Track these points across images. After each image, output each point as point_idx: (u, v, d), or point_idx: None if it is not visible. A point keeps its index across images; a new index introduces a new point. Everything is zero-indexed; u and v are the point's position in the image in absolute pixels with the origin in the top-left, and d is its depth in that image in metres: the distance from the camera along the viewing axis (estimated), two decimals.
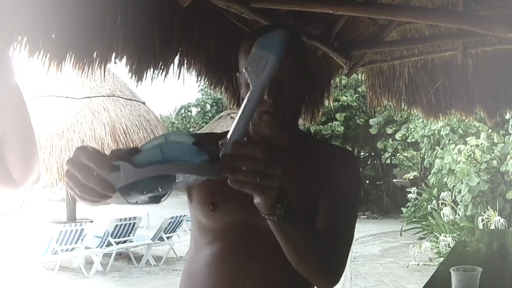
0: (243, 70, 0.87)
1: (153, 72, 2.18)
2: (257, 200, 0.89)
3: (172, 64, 2.24)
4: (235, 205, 1.12)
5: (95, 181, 0.77)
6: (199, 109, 24.82)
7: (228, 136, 0.81)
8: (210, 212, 1.16)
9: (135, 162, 0.76)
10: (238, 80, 1.21)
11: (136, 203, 0.82)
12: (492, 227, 6.71)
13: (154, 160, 0.76)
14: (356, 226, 1.22)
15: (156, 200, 0.82)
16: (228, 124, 14.80)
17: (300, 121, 3.17)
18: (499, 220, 6.76)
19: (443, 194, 8.15)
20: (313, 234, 1.08)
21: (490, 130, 8.03)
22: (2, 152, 1.20)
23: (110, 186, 0.77)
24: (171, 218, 7.84)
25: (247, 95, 0.84)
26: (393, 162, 16.71)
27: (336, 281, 1.12)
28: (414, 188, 10.17)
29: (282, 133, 1.17)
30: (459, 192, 7.74)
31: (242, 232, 1.15)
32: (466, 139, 8.28)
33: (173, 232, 8.11)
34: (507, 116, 6.78)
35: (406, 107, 3.58)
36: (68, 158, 0.82)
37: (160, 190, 0.79)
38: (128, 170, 0.76)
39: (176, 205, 9.32)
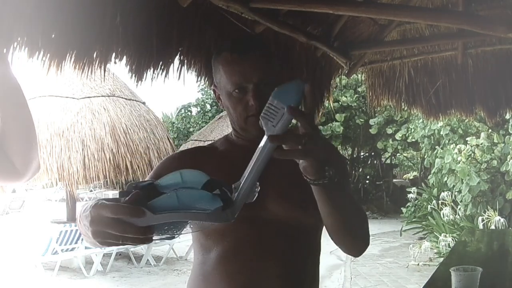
0: (260, 116, 0.90)
1: (153, 72, 2.18)
2: (304, 165, 0.93)
3: (172, 64, 2.24)
4: (250, 205, 1.14)
5: (132, 230, 0.80)
6: (199, 109, 24.81)
7: (242, 180, 0.86)
8: None
9: (153, 208, 0.80)
10: (215, 93, 1.27)
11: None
12: (492, 227, 6.70)
13: (170, 207, 0.80)
14: None
15: (170, 238, 0.86)
16: (227, 124, 14.78)
17: None
18: (499, 220, 6.76)
19: (443, 194, 8.15)
20: (352, 199, 1.15)
21: (490, 130, 8.03)
22: (3, 143, 1.23)
23: (148, 230, 0.80)
24: None
25: (263, 143, 0.87)
26: (393, 162, 16.71)
27: (367, 246, 1.21)
28: (414, 188, 10.17)
29: None
30: (459, 192, 7.74)
31: (249, 227, 1.17)
32: (466, 139, 8.28)
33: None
34: (507, 116, 6.79)
35: (406, 107, 3.57)
36: (89, 221, 0.83)
37: (174, 232, 0.84)
38: (147, 215, 0.79)
39: None
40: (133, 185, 0.84)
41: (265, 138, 0.87)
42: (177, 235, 0.87)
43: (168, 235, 0.84)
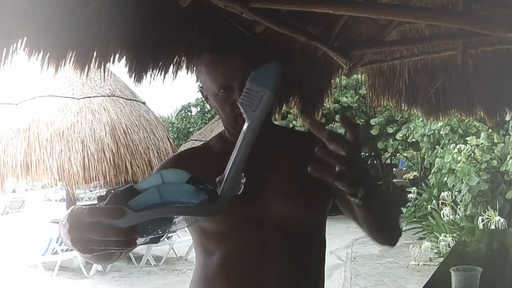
0: (238, 103, 0.88)
1: (153, 72, 2.18)
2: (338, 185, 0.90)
3: (172, 64, 2.24)
4: (240, 203, 1.12)
5: (115, 232, 0.73)
6: (198, 109, 24.81)
7: (226, 172, 0.82)
8: (221, 218, 1.17)
9: (134, 206, 0.74)
10: (202, 93, 1.25)
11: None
12: (492, 227, 6.70)
13: (153, 203, 0.74)
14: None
15: (155, 240, 0.80)
16: None
17: (300, 122, 3.16)
18: (499, 220, 6.76)
19: (443, 194, 8.15)
20: (386, 201, 1.12)
21: (490, 130, 8.03)
22: None
23: (131, 231, 0.74)
24: None
25: (244, 130, 0.84)
26: (393, 162, 16.71)
27: (400, 236, 1.22)
28: (414, 188, 10.16)
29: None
30: (459, 192, 7.74)
31: (253, 228, 1.16)
32: (466, 139, 8.28)
33: (173, 232, 8.11)
34: (507, 117, 6.79)
35: (406, 107, 3.57)
36: (68, 229, 0.77)
37: (159, 232, 0.78)
38: (128, 214, 0.73)
39: None
40: (111, 190, 0.78)
41: (245, 125, 0.84)
42: (162, 236, 0.81)
43: (153, 236, 0.78)
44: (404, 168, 17.51)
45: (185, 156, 1.33)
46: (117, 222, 0.73)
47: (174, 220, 0.78)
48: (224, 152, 1.25)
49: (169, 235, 8.02)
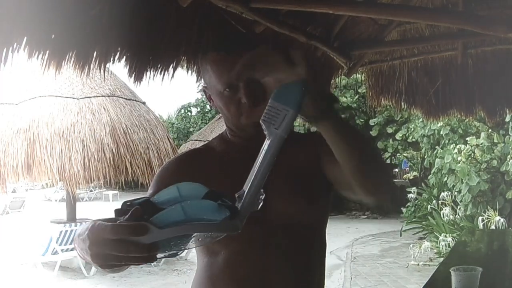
0: (261, 120, 0.87)
1: (153, 72, 2.18)
2: (306, 109, 0.89)
3: (172, 64, 2.24)
4: None
5: (137, 249, 0.72)
6: (198, 109, 24.82)
7: (246, 188, 0.82)
8: None
9: (157, 223, 0.73)
10: (206, 93, 1.24)
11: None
12: (492, 227, 6.70)
13: (177, 220, 0.74)
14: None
15: (174, 254, 0.80)
16: None
17: (300, 122, 3.16)
18: (499, 220, 6.76)
19: (443, 194, 8.15)
20: (363, 136, 1.11)
21: (490, 130, 8.03)
22: None
23: (153, 247, 0.73)
24: None
25: (265, 147, 0.84)
26: (393, 162, 16.70)
27: (387, 191, 1.10)
28: (414, 188, 10.17)
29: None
30: (459, 192, 7.74)
31: (255, 228, 1.13)
32: (466, 139, 8.28)
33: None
34: (507, 117, 6.79)
35: (406, 107, 3.57)
36: (88, 245, 0.76)
37: (180, 247, 0.78)
38: (152, 231, 0.72)
39: None
40: (127, 203, 0.77)
41: (267, 142, 0.84)
42: (181, 251, 0.81)
43: (173, 252, 0.78)
44: (407, 168, 17.52)
45: (187, 158, 1.31)
46: (140, 238, 0.72)
47: (196, 236, 0.78)
48: (225, 153, 1.25)
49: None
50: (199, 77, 2.43)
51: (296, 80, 0.87)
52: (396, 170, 19.58)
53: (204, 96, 1.29)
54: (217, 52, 1.15)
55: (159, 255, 0.76)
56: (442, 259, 4.94)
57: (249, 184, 0.82)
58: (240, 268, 1.17)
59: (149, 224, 0.72)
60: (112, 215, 0.79)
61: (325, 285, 1.27)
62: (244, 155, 1.13)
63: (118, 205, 0.82)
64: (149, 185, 1.28)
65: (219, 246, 1.18)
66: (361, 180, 1.07)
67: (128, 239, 0.72)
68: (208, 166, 1.21)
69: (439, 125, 8.77)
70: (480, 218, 7.07)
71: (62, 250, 7.00)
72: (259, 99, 1.13)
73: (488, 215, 6.98)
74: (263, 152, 0.84)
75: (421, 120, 9.42)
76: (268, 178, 1.14)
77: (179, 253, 0.81)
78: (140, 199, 0.77)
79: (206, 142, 1.38)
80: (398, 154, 15.71)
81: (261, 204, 0.84)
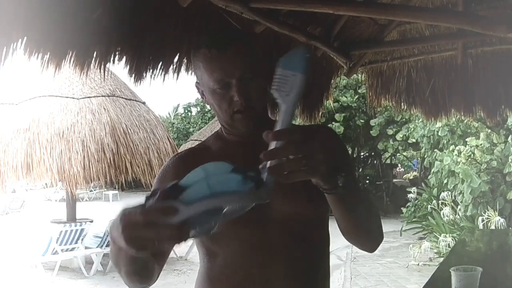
0: (270, 89, 0.89)
1: (153, 72, 2.18)
2: (314, 181, 0.91)
3: (172, 64, 2.24)
4: (255, 206, 1.11)
5: (167, 229, 0.74)
6: (199, 109, 24.82)
7: (268, 161, 0.83)
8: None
9: (185, 200, 0.76)
10: (198, 89, 1.22)
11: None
12: (492, 227, 6.70)
13: (203, 195, 0.76)
14: None
15: (207, 232, 0.82)
16: None
17: (299, 122, 3.17)
18: (499, 220, 6.76)
19: (443, 194, 8.15)
20: (364, 196, 1.16)
21: (489, 131, 8.03)
22: None
23: (183, 225, 0.75)
24: None
25: (281, 115, 0.85)
26: (393, 162, 16.71)
27: (381, 240, 1.21)
28: (414, 188, 10.17)
29: (256, 129, 1.14)
30: (460, 192, 7.74)
31: (255, 228, 1.14)
32: (466, 140, 8.28)
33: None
34: (509, 120, 6.79)
35: (406, 107, 3.57)
36: (121, 231, 0.78)
37: (212, 223, 0.80)
38: (180, 208, 0.75)
39: None
40: (156, 190, 0.79)
41: (282, 110, 0.85)
42: (214, 228, 0.82)
43: (205, 229, 0.80)
44: (416, 169, 17.51)
45: (186, 156, 1.30)
46: (169, 218, 0.75)
47: (224, 211, 0.80)
48: (222, 151, 1.23)
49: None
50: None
51: (299, 47, 0.89)
52: (402, 169, 19.60)
53: (202, 97, 1.28)
54: (209, 49, 1.12)
55: (191, 233, 0.78)
56: (442, 259, 4.94)
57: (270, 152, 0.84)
58: (241, 269, 1.16)
59: (177, 203, 0.75)
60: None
61: (330, 282, 1.27)
62: (241, 151, 1.14)
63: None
64: (150, 185, 1.28)
65: (220, 247, 1.17)
66: (353, 238, 1.16)
67: (158, 221, 0.74)
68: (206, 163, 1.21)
69: (438, 125, 8.77)
70: (480, 218, 7.07)
71: (62, 250, 7.00)
72: (252, 97, 1.12)
73: (488, 216, 6.99)
74: (280, 119, 0.85)
75: (421, 121, 9.43)
76: None
77: (212, 231, 0.82)
78: (167, 185, 0.79)
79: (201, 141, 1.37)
80: (398, 154, 15.72)
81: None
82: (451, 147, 8.46)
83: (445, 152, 8.48)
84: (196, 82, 1.22)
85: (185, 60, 2.27)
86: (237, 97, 1.10)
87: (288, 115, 0.85)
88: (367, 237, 1.18)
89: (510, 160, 7.25)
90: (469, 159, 7.78)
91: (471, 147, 7.93)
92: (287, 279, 1.15)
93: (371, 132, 13.65)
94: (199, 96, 1.26)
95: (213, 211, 0.78)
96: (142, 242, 0.78)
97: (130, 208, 0.79)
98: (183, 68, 2.29)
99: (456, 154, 7.98)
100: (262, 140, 1.15)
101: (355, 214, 1.07)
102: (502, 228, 6.62)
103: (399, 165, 18.31)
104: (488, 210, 7.15)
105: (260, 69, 1.14)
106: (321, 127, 1.40)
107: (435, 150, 9.10)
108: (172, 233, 0.75)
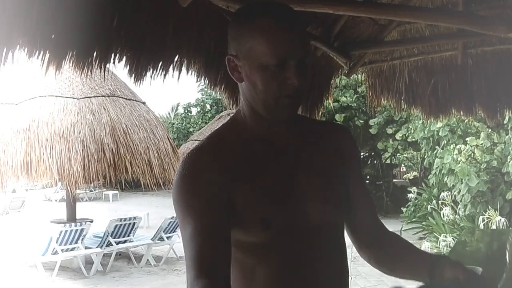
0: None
1: (153, 72, 2.18)
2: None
3: (171, 64, 2.24)
4: (294, 213, 1.03)
5: None
6: (199, 109, 24.82)
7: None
8: (261, 230, 1.01)
9: None
10: (231, 63, 1.05)
11: None
12: (493, 227, 6.69)
13: None
14: None
15: None
16: None
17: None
18: (500, 219, 6.74)
19: (443, 194, 8.15)
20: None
21: (490, 130, 8.03)
22: None
23: None
24: (171, 218, 7.85)
25: None
26: (393, 162, 16.71)
27: None
28: (414, 188, 10.16)
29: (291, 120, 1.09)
30: (459, 192, 7.74)
31: (296, 239, 1.05)
32: (466, 139, 8.28)
33: (173, 232, 8.10)
34: (507, 117, 6.78)
35: (406, 107, 3.58)
36: None
37: None
38: None
39: None
40: None
41: None
42: None
43: None
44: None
45: (209, 151, 1.08)
46: None
47: None
48: (244, 147, 1.06)
49: (169, 234, 8.01)
50: (199, 77, 2.43)
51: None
52: (404, 169, 19.58)
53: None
54: (275, 20, 0.98)
55: None
56: None
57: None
58: (287, 283, 1.07)
59: None
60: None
61: None
62: (262, 147, 1.07)
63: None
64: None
65: (257, 261, 1.07)
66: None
67: None
68: (236, 162, 1.05)
69: (438, 125, 8.76)
70: (481, 218, 7.06)
71: (62, 250, 6.99)
72: (304, 83, 1.01)
73: (489, 215, 6.98)
74: None
75: (421, 121, 9.42)
76: (303, 180, 1.05)
77: None
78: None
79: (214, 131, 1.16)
80: (398, 154, 15.72)
81: None
82: (452, 146, 8.46)
83: (447, 149, 8.47)
84: (232, 55, 1.04)
85: (185, 60, 2.27)
86: (294, 80, 0.98)
87: None
88: None
89: (509, 160, 7.25)
90: (469, 159, 7.78)
91: (471, 146, 7.93)
92: (329, 283, 1.11)
93: (370, 131, 13.65)
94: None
95: None
96: None
97: None
98: (183, 68, 2.29)
99: (456, 153, 7.98)
100: (282, 135, 1.08)
101: None
102: (503, 227, 6.61)
103: (402, 165, 18.29)
104: (488, 210, 7.14)
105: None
106: (341, 128, 1.31)
107: (436, 147, 9.09)
108: None
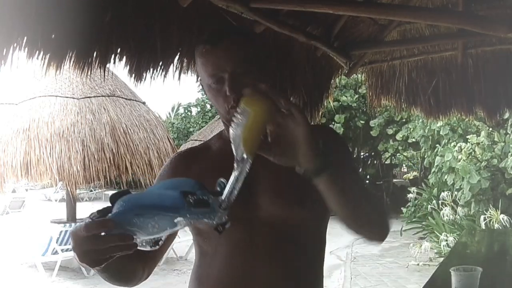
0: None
1: (153, 72, 2.18)
2: (301, 161, 0.96)
3: (172, 64, 2.24)
4: (245, 204, 1.09)
5: (114, 238, 0.82)
6: (199, 109, 24.82)
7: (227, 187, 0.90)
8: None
9: (114, 212, 0.83)
10: (202, 87, 1.20)
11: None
12: (496, 225, 6.68)
13: (130, 207, 0.83)
14: None
15: (154, 242, 0.88)
16: None
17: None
18: (503, 218, 6.72)
19: (443, 194, 8.15)
20: (360, 183, 1.16)
21: (490, 129, 8.03)
22: None
23: (126, 237, 0.82)
24: None
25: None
26: (393, 162, 16.71)
27: (388, 231, 1.15)
28: (414, 188, 10.16)
29: None
30: (459, 190, 7.74)
31: (244, 229, 1.13)
32: (467, 137, 8.28)
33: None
34: (507, 116, 6.78)
35: (406, 107, 3.57)
36: (72, 247, 0.85)
37: (155, 231, 0.84)
38: (115, 219, 0.82)
39: None
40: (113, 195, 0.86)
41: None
42: (161, 242, 0.88)
43: (153, 238, 0.86)
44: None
45: (185, 155, 1.31)
46: (107, 230, 0.81)
47: (176, 221, 0.84)
48: (221, 149, 1.24)
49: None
50: (199, 77, 2.43)
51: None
52: (405, 169, 19.55)
53: (205, 96, 1.29)
54: (205, 44, 1.13)
55: (139, 242, 0.84)
56: (442, 259, 4.94)
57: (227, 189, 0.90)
58: (224, 269, 1.16)
59: (111, 214, 0.82)
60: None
61: (323, 286, 1.25)
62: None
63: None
64: (149, 185, 1.30)
65: (209, 246, 1.18)
66: (356, 229, 1.12)
67: (98, 232, 0.81)
68: (203, 162, 1.23)
69: (439, 124, 8.77)
70: (482, 217, 7.05)
71: (62, 250, 6.99)
72: (240, 89, 1.06)
73: (490, 214, 6.97)
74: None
75: (421, 121, 9.43)
76: (258, 174, 1.11)
77: (159, 242, 0.88)
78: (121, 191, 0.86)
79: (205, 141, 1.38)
80: (398, 154, 15.72)
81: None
82: (452, 144, 8.47)
83: (447, 147, 8.47)
84: (199, 79, 1.21)
85: (185, 60, 2.27)
86: (228, 92, 1.08)
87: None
88: (367, 226, 1.12)
89: (509, 157, 7.25)
90: (470, 157, 7.78)
91: (472, 144, 7.93)
92: (272, 281, 1.13)
93: (371, 132, 13.65)
94: (199, 96, 1.27)
95: (159, 221, 0.83)
96: (93, 257, 0.84)
97: (77, 224, 0.86)
98: (183, 68, 2.29)
99: (457, 151, 7.98)
100: None
101: (350, 201, 1.04)
102: (505, 226, 6.60)
103: (404, 165, 18.30)
104: (490, 208, 7.13)
105: (258, 64, 1.13)
106: (322, 129, 1.38)
107: (436, 145, 9.09)
108: (116, 243, 0.81)
